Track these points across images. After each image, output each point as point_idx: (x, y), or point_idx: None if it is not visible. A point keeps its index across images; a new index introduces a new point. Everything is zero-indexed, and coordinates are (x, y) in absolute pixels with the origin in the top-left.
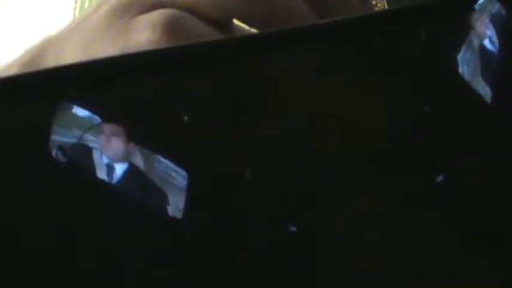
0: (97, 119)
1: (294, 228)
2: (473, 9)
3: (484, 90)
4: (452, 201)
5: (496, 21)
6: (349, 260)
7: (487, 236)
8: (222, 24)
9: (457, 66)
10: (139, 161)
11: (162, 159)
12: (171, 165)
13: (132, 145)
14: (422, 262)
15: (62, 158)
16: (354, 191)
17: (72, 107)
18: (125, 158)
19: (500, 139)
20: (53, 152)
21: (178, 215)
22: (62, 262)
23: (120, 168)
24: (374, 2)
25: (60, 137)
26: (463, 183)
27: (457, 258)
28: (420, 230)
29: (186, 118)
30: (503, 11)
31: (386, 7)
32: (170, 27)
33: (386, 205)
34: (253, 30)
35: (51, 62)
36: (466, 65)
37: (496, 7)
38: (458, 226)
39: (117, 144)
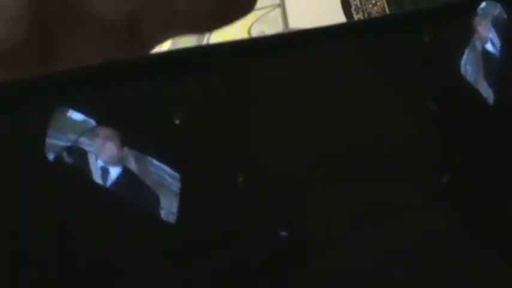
0: (92, 122)
1: (284, 233)
2: (476, 13)
3: (486, 91)
4: (457, 200)
5: (497, 24)
6: (340, 263)
7: (492, 236)
8: None
9: (460, 68)
10: (133, 165)
11: (155, 163)
12: (164, 168)
13: (126, 149)
14: (419, 263)
15: (58, 161)
16: (345, 194)
17: (67, 111)
18: (119, 161)
19: (503, 139)
20: (50, 155)
21: (171, 218)
22: (57, 262)
23: (114, 171)
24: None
25: (57, 140)
26: (468, 183)
27: (459, 257)
28: (419, 230)
29: (177, 122)
30: (504, 15)
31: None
32: None
33: (381, 207)
34: None
35: None
36: (469, 66)
37: (498, 11)
38: (462, 225)
39: (112, 148)
